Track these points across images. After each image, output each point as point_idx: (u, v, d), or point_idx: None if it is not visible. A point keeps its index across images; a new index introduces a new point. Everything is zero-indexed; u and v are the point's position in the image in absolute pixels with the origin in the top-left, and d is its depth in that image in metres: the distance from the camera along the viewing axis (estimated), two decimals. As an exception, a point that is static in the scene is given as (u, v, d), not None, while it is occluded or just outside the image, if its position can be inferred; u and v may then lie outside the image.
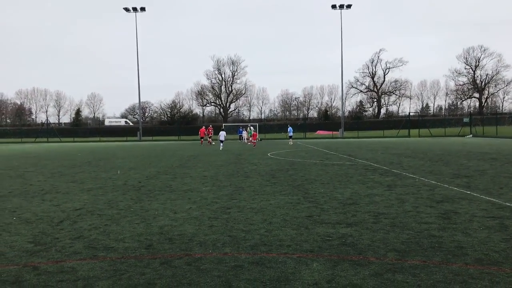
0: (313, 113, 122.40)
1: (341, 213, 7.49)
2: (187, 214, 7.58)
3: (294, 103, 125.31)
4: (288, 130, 42.50)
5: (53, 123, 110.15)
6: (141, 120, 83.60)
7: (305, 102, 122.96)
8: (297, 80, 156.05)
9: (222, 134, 33.60)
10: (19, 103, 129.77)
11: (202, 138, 41.86)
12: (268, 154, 24.16)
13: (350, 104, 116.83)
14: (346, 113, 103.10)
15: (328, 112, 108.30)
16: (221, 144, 32.94)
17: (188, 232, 6.32)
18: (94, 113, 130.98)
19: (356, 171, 14.34)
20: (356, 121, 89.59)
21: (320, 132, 78.16)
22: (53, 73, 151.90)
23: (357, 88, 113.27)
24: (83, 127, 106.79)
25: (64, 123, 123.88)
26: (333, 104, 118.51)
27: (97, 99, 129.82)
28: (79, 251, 5.46)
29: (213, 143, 40.60)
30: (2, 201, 9.39)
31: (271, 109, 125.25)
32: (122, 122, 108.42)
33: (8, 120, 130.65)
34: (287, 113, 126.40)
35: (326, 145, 36.14)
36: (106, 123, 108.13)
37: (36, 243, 5.80)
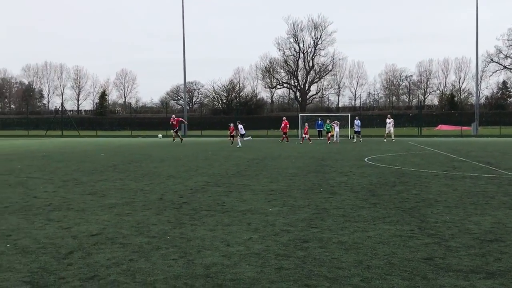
0: (433, 99, 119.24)
1: (477, 255, 7.01)
2: (245, 248, 7.42)
3: (404, 84, 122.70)
4: (355, 124, 46.44)
5: (70, 110, 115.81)
6: (187, 107, 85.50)
7: (421, 83, 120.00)
8: (409, 52, 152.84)
9: (241, 127, 38.22)
10: (26, 82, 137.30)
11: (285, 133, 46.00)
12: (365, 160, 23.67)
13: (489, 87, 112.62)
14: (482, 100, 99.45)
15: (455, 98, 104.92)
16: (243, 138, 37.92)
17: (246, 276, 6.13)
18: (125, 98, 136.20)
19: (500, 188, 13.70)
20: (497, 111, 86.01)
21: (443, 127, 76.04)
22: (71, 44, 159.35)
23: (499, 63, 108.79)
24: (109, 116, 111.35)
25: (85, 110, 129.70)
26: (463, 87, 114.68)
27: (129, 78, 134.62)
28: (91, 299, 5.44)
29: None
30: (-5, 219, 9.76)
31: (369, 93, 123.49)
32: None
33: (13, 106, 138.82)
34: (393, 98, 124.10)
35: (452, 147, 35.01)
36: None
37: (33, 285, 5.86)
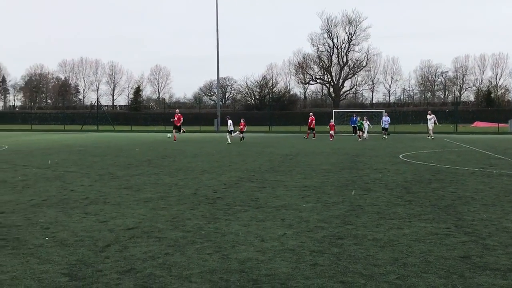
0: (469, 95, 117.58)
1: (516, 254, 6.91)
2: (280, 244, 7.43)
3: (439, 80, 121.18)
4: (384, 119, 45.21)
5: (105, 106, 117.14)
6: (220, 103, 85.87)
7: (456, 79, 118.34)
8: (445, 48, 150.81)
9: (231, 123, 38.31)
10: (63, 78, 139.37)
11: (311, 129, 44.32)
12: (400, 157, 23.45)
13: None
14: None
15: (492, 94, 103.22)
16: (232, 134, 37.91)
17: (281, 272, 6.15)
18: (159, 93, 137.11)
19: (538, 186, 13.44)
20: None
21: (479, 124, 74.86)
22: (106, 40, 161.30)
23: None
24: (143, 112, 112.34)
25: (120, 105, 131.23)
26: (500, 83, 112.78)
27: (163, 74, 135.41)
28: (128, 292, 5.52)
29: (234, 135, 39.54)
30: (33, 212, 9.97)
31: (404, 89, 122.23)
32: None
33: (49, 101, 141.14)
34: (429, 94, 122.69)
35: (489, 144, 34.42)
36: None
37: (72, 277, 5.98)
